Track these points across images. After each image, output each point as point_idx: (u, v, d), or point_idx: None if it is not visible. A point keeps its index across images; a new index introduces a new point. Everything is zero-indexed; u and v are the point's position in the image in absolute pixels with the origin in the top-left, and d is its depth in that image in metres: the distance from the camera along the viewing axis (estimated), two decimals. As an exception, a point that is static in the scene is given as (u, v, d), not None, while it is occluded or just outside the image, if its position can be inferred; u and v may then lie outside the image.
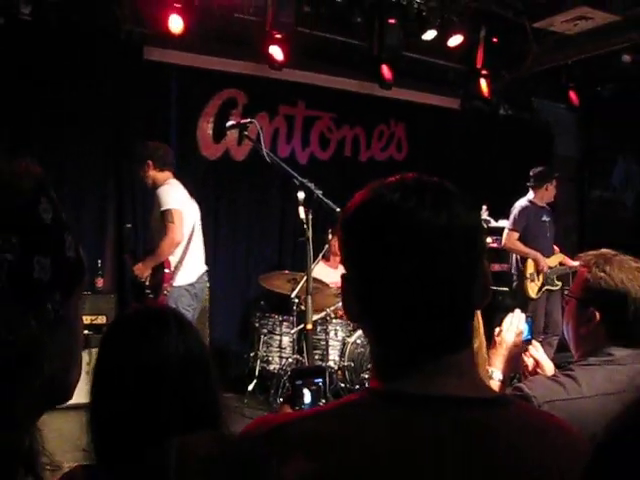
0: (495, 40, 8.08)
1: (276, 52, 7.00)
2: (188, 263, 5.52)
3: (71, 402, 0.90)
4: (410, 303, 1.05)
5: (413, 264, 1.03)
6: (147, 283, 5.53)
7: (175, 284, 5.45)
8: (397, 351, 1.09)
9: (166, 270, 5.42)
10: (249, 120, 4.11)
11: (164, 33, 6.42)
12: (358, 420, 1.04)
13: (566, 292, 2.31)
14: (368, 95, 8.01)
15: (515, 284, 7.06)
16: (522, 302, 6.98)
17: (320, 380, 1.81)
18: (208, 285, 5.91)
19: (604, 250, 2.26)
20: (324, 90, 7.89)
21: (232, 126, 4.23)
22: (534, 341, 2.50)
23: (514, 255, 7.15)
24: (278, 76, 7.37)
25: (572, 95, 8.68)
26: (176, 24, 6.38)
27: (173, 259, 5.46)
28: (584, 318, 2.16)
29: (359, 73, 7.90)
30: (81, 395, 1.13)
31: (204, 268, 5.74)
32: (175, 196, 5.46)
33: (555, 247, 7.29)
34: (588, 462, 0.74)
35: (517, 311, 2.41)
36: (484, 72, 8.17)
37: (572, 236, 9.74)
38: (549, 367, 2.49)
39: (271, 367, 6.63)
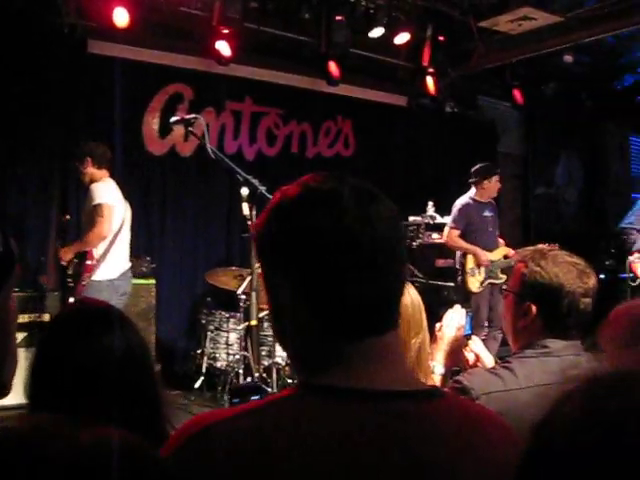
0: (441, 38, 8.18)
1: (223, 47, 6.95)
2: (111, 259, 5.63)
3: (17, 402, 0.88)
4: (340, 291, 1.05)
5: (345, 258, 1.05)
6: (69, 271, 5.63)
7: (95, 278, 5.54)
8: (322, 338, 1.08)
9: (88, 262, 5.52)
10: (193, 116, 4.08)
11: (109, 26, 6.32)
12: (289, 416, 1.03)
13: (504, 287, 2.35)
14: (315, 91, 8.02)
15: (459, 279, 7.16)
16: (467, 297, 7.08)
17: (258, 397, 1.81)
18: (132, 282, 5.93)
19: (540, 245, 2.30)
20: (271, 86, 7.87)
21: (176, 121, 4.20)
22: (474, 336, 2.54)
23: (458, 251, 7.25)
24: (225, 71, 7.32)
25: (516, 93, 8.82)
26: (121, 17, 6.28)
27: (97, 252, 5.56)
28: (521, 312, 2.20)
29: (307, 69, 7.90)
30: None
31: (127, 265, 5.82)
32: (108, 192, 5.60)
33: (501, 240, 7.39)
34: (518, 464, 0.74)
35: (457, 306, 2.45)
36: (430, 70, 8.26)
37: (517, 231, 9.92)
38: (489, 360, 2.53)
39: (218, 364, 6.60)
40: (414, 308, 2.02)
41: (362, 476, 0.98)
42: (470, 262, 7.07)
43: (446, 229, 7.22)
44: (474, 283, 7.04)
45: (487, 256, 7.05)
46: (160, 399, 1.68)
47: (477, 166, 7.22)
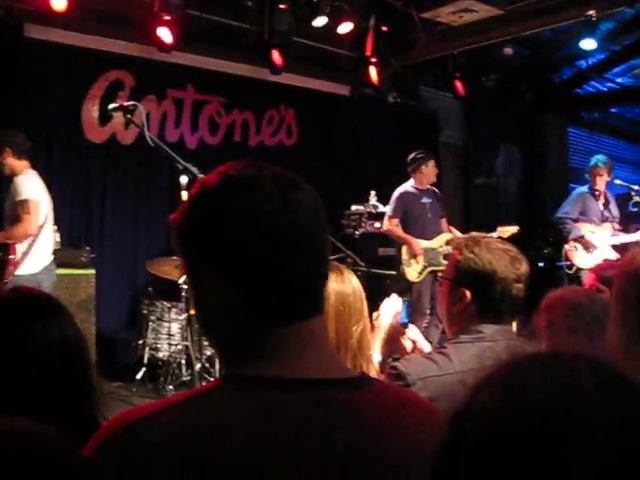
0: (384, 29, 8.21)
1: (164, 34, 6.85)
2: (35, 254, 5.56)
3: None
4: (263, 276, 1.05)
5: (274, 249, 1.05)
6: None
7: (17, 272, 5.45)
8: (247, 326, 1.08)
9: (11, 256, 5.42)
10: (132, 103, 4.01)
11: (46, 10, 6.16)
12: (213, 408, 1.02)
13: (439, 275, 2.40)
14: (258, 80, 7.98)
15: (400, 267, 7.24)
16: (409, 285, 7.16)
17: None
18: (56, 274, 5.85)
19: (474, 233, 2.36)
20: (214, 74, 7.80)
21: (115, 108, 4.12)
22: (410, 324, 2.58)
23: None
24: (167, 59, 7.23)
25: (458, 84, 8.93)
26: (59, 1, 6.13)
27: (20, 247, 5.47)
28: (456, 298, 2.24)
29: (249, 57, 7.85)
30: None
31: (50, 259, 5.75)
32: (34, 187, 5.49)
33: (447, 227, 7.48)
34: (434, 454, 0.73)
35: (394, 295, 2.48)
36: (373, 60, 8.29)
37: (458, 221, 10.03)
38: (426, 348, 2.57)
39: (160, 354, 6.54)
40: (355, 296, 2.03)
41: (286, 466, 0.98)
42: (405, 252, 7.16)
43: (385, 217, 7.31)
44: (411, 273, 7.13)
45: (420, 245, 7.11)
46: (94, 390, 1.66)
47: (412, 154, 7.33)
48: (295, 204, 1.07)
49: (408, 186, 7.33)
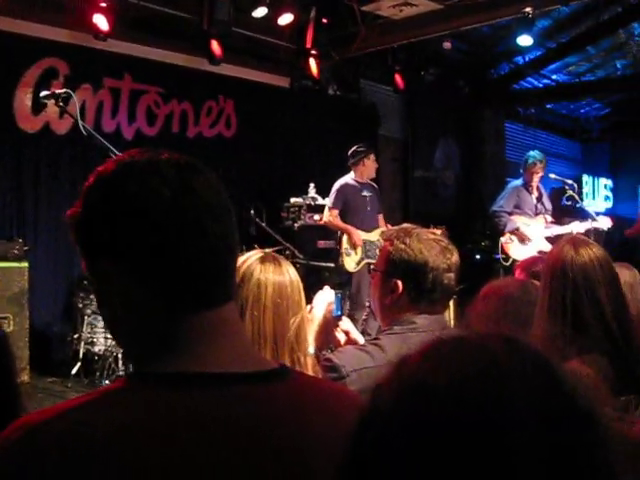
0: (325, 21, 8.21)
1: (101, 21, 6.71)
2: None
3: None
4: (168, 262, 1.02)
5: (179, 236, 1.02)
6: None
7: None
8: (154, 318, 1.04)
9: None
10: (64, 90, 3.89)
11: (-25, -5, 5.98)
12: (119, 409, 0.96)
13: (372, 267, 2.40)
14: (197, 70, 7.89)
15: (340, 259, 7.27)
16: (348, 277, 7.19)
17: None
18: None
19: (405, 224, 2.37)
20: (152, 63, 7.68)
21: (46, 96, 3.99)
22: (343, 316, 2.57)
23: (339, 231, 7.36)
24: (103, 47, 7.08)
25: (397, 78, 9.00)
26: (-11, -14, 5.96)
27: None
28: (388, 289, 2.25)
29: (188, 47, 7.76)
30: None
31: None
32: None
33: (384, 223, 7.54)
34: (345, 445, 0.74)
35: (326, 287, 2.47)
36: (313, 52, 8.28)
37: (396, 213, 10.12)
38: (360, 339, 2.57)
39: (96, 349, 6.44)
40: (293, 288, 2.02)
41: (197, 466, 0.94)
42: (346, 241, 7.21)
43: (325, 209, 7.33)
44: (350, 263, 7.18)
45: (360, 236, 7.18)
46: (17, 386, 1.61)
47: (353, 148, 7.37)
48: (196, 188, 1.04)
49: (348, 178, 7.37)
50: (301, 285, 2.08)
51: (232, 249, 1.09)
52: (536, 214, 8.08)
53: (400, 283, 2.22)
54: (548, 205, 8.28)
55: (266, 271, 1.97)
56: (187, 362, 1.01)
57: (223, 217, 1.07)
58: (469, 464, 0.65)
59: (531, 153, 8.20)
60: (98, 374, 6.27)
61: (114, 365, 6.29)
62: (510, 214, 8.00)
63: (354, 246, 7.19)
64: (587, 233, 7.36)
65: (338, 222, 7.25)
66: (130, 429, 0.94)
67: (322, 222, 7.46)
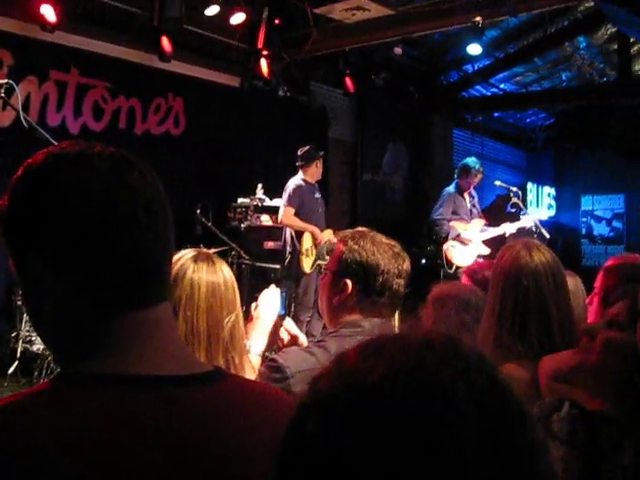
0: (277, 22, 8.20)
1: (48, 12, 6.56)
2: None
3: None
4: (99, 258, 0.99)
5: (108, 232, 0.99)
6: None
7: None
8: (84, 316, 1.00)
9: None
10: (5, 81, 3.78)
11: None
12: (44, 411, 0.92)
13: (322, 267, 2.41)
14: (146, 66, 7.78)
15: (287, 260, 7.23)
16: (295, 278, 7.16)
17: None
18: None
19: (360, 228, 2.38)
20: (100, 58, 7.53)
21: (-17, 86, 3.88)
22: (287, 317, 2.57)
23: (287, 231, 7.32)
24: (50, 39, 6.92)
25: (348, 81, 9.02)
26: None
27: None
28: (337, 289, 2.25)
29: (138, 43, 7.64)
30: None
31: None
32: None
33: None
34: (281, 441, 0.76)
35: (272, 286, 2.47)
36: (265, 52, 8.26)
37: (345, 216, 10.16)
38: (304, 340, 2.56)
39: (34, 348, 6.28)
40: (227, 286, 2.00)
41: (123, 469, 0.90)
42: (306, 242, 7.16)
43: (282, 208, 7.25)
44: (308, 263, 7.15)
45: (322, 236, 7.18)
46: None
47: (305, 148, 7.36)
48: (130, 183, 1.01)
49: (300, 179, 7.34)
50: (235, 284, 2.06)
51: (167, 248, 1.06)
52: (471, 218, 8.25)
53: (350, 283, 2.22)
54: (478, 207, 8.50)
55: (199, 270, 1.95)
56: (116, 363, 0.98)
57: (158, 215, 1.03)
58: (408, 455, 0.67)
59: (471, 163, 8.28)
60: (36, 374, 6.12)
61: (53, 365, 6.16)
62: (449, 221, 8.13)
63: (316, 246, 7.17)
64: (527, 233, 7.54)
65: (296, 221, 7.18)
66: (52, 433, 0.90)
67: (279, 221, 7.40)
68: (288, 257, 7.25)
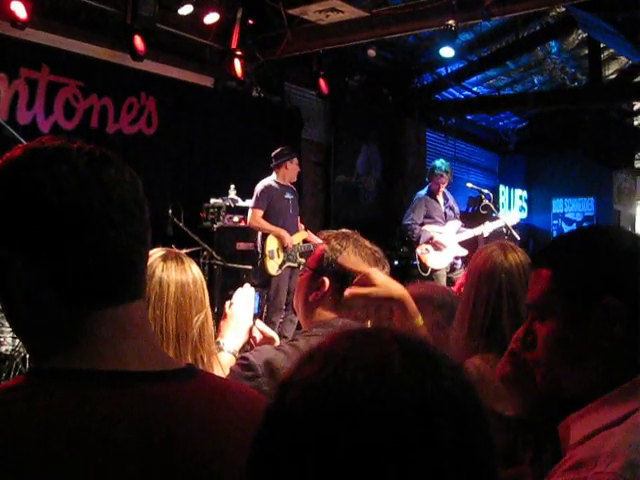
0: (251, 22, 8.18)
1: (19, 9, 6.47)
2: None
3: None
4: (73, 255, 0.99)
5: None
6: None
7: None
8: (58, 313, 1.00)
9: None
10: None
11: None
12: (18, 407, 0.92)
13: (302, 265, 2.42)
14: (119, 65, 7.71)
15: (259, 262, 7.23)
16: (266, 280, 7.16)
17: None
18: None
19: (344, 230, 2.40)
20: (72, 56, 7.45)
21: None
22: (258, 319, 2.57)
23: (259, 233, 7.31)
24: (20, 35, 6.83)
25: (322, 83, 9.02)
26: None
27: None
28: (314, 286, 2.26)
29: (110, 41, 7.58)
30: None
31: None
32: None
33: (301, 225, 7.57)
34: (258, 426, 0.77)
35: (247, 285, 2.47)
36: (239, 53, 8.23)
37: (317, 217, 10.16)
38: (276, 340, 2.57)
39: (3, 349, 6.23)
40: (196, 285, 2.00)
41: (94, 465, 0.90)
42: (270, 244, 7.15)
43: (250, 210, 7.26)
44: (273, 266, 7.13)
45: (291, 239, 7.15)
46: None
47: (277, 150, 7.38)
48: (107, 180, 1.01)
49: (271, 180, 7.34)
50: (204, 283, 2.07)
51: (142, 246, 1.06)
52: (446, 220, 8.28)
53: (327, 281, 2.22)
54: (457, 209, 8.53)
55: (168, 269, 1.96)
56: (89, 359, 0.97)
57: (134, 213, 1.04)
58: (370, 456, 0.69)
59: (437, 164, 8.34)
60: (4, 375, 6.05)
61: (22, 366, 6.07)
62: (422, 225, 8.16)
63: (285, 249, 7.15)
64: (499, 235, 7.59)
65: (264, 223, 7.17)
66: (27, 427, 0.89)
67: (247, 223, 7.39)
68: (260, 258, 7.24)
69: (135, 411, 0.95)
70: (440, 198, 8.37)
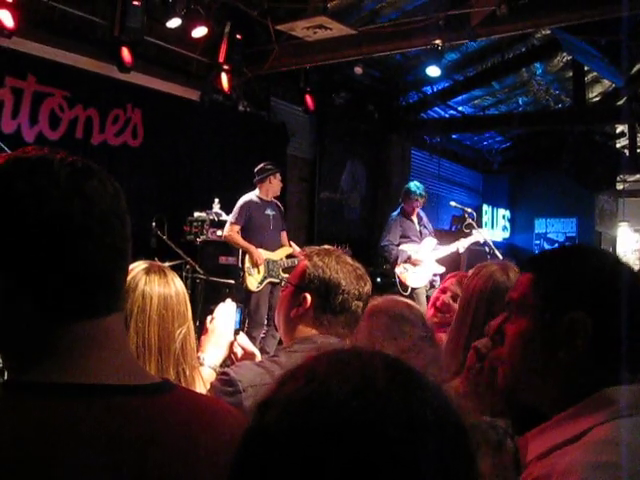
0: (239, 37, 8.20)
1: (6, 17, 6.45)
2: None
3: None
4: (51, 267, 0.98)
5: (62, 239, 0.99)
6: None
7: None
8: (33, 324, 0.99)
9: None
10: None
11: None
12: None
13: (284, 281, 2.42)
14: (105, 76, 7.69)
15: (240, 277, 7.22)
16: (247, 295, 7.14)
17: None
18: None
19: (327, 246, 2.40)
20: (58, 66, 7.43)
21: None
22: (241, 332, 2.57)
23: (240, 249, 7.31)
24: (7, 44, 6.81)
25: (308, 99, 9.05)
26: None
27: None
28: (296, 302, 2.26)
29: (98, 52, 7.57)
30: None
31: None
32: None
33: (287, 241, 7.55)
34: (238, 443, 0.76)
35: (228, 300, 2.47)
36: (226, 67, 8.24)
37: (302, 233, 10.16)
38: (257, 354, 2.55)
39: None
40: (179, 299, 1.99)
41: (67, 477, 0.89)
42: (248, 261, 7.16)
43: (227, 224, 7.28)
44: (252, 282, 7.13)
45: (261, 254, 7.14)
46: None
47: (260, 165, 7.40)
48: (88, 192, 1.01)
49: (253, 195, 7.35)
50: (187, 297, 2.07)
51: (121, 260, 1.05)
52: (421, 238, 8.35)
53: (309, 298, 2.23)
54: (430, 227, 8.60)
55: (151, 282, 1.95)
56: (64, 372, 0.97)
57: (114, 226, 1.03)
58: (357, 473, 0.68)
59: (412, 188, 8.41)
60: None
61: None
62: (398, 245, 8.22)
63: (255, 265, 7.15)
64: (480, 253, 7.65)
65: (238, 239, 7.19)
66: (8, 443, 0.89)
67: (223, 237, 7.39)
68: (241, 273, 7.24)
69: (107, 423, 0.94)
70: (414, 218, 8.45)
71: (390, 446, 0.69)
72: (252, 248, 7.15)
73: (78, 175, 1.02)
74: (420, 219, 8.51)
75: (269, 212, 7.38)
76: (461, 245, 7.96)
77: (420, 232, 8.41)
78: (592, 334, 1.27)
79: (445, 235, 8.95)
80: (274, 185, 7.42)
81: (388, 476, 0.68)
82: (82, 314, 1.00)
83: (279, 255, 7.34)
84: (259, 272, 7.15)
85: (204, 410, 1.10)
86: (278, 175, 7.49)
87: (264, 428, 0.74)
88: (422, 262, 8.08)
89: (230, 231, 7.20)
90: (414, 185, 8.44)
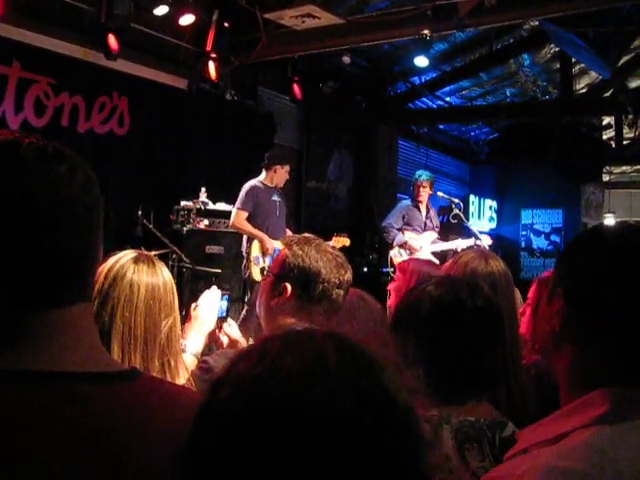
0: (227, 25, 8.17)
1: (-9, 4, 6.41)
2: None
3: None
4: (16, 255, 0.97)
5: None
6: None
7: None
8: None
9: None
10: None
11: None
12: None
13: (265, 270, 2.41)
14: (92, 64, 7.63)
15: (243, 265, 7.15)
16: (248, 285, 7.09)
17: None
18: None
19: (306, 234, 2.40)
20: (44, 52, 7.36)
21: None
22: (229, 319, 2.56)
23: (245, 237, 7.21)
24: (-8, 30, 6.77)
25: (295, 88, 9.04)
26: None
27: None
28: (277, 292, 2.26)
29: (84, 39, 7.51)
30: None
31: None
32: None
33: (288, 230, 7.52)
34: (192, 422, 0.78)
35: (214, 287, 2.47)
36: (213, 55, 8.20)
37: (289, 223, 10.14)
38: (242, 343, 2.56)
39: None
40: (166, 289, 1.99)
41: (26, 465, 0.89)
42: (255, 250, 7.02)
43: (233, 211, 7.13)
44: (257, 272, 6.98)
45: (272, 244, 6.94)
46: None
47: (273, 151, 7.37)
48: (54, 177, 0.99)
49: (257, 181, 7.25)
50: (174, 287, 2.06)
51: (89, 249, 1.04)
52: (424, 230, 8.37)
53: (289, 287, 2.23)
54: (436, 222, 8.62)
55: (139, 271, 1.94)
56: (26, 360, 0.96)
57: (82, 214, 1.01)
58: (305, 452, 0.69)
59: (421, 171, 8.50)
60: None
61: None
62: (399, 230, 8.23)
63: (265, 253, 7.02)
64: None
65: (247, 226, 7.03)
66: None
67: (230, 224, 7.25)
68: (244, 261, 7.15)
69: (69, 411, 0.94)
70: (423, 209, 8.46)
71: (338, 425, 0.70)
72: (262, 235, 6.97)
73: (46, 160, 1.00)
74: (428, 212, 8.53)
75: (275, 198, 7.28)
76: (460, 245, 7.98)
77: (425, 224, 8.44)
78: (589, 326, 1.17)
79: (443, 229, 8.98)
80: (279, 175, 7.30)
81: (337, 454, 0.69)
82: (45, 303, 0.99)
83: (278, 245, 7.25)
84: (264, 262, 6.96)
85: (168, 397, 1.09)
86: (287, 167, 7.38)
87: (216, 405, 0.76)
88: (417, 251, 8.10)
89: (237, 217, 7.04)
90: (418, 172, 8.54)
